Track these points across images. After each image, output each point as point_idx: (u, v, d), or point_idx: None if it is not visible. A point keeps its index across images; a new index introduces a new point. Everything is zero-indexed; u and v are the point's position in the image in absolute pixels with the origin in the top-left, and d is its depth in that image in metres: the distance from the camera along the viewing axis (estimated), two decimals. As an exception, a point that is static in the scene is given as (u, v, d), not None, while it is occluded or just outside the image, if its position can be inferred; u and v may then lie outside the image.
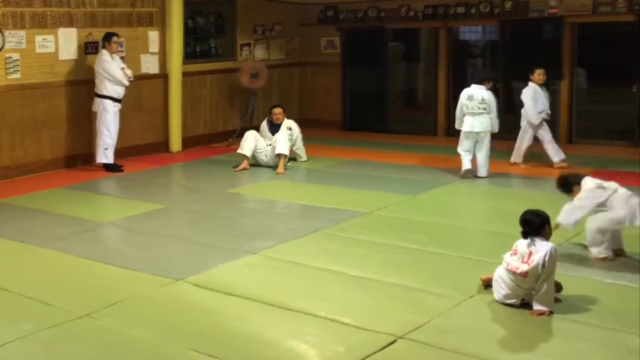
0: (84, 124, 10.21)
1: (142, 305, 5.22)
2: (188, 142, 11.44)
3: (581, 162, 10.03)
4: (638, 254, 6.04)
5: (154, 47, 11.04)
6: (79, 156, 10.19)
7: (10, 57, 9.35)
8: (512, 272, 4.96)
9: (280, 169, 9.66)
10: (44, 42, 9.67)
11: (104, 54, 9.74)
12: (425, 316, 4.87)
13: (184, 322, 4.89)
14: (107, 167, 9.81)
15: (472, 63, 12.95)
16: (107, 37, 9.84)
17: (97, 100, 9.75)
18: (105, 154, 9.79)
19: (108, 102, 9.73)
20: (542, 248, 4.90)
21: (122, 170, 9.83)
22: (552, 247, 4.92)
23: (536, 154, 9.83)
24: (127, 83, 9.81)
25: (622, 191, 5.88)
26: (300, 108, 13.58)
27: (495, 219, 7.17)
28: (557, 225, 5.72)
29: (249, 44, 12.69)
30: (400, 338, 4.56)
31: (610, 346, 4.46)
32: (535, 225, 4.99)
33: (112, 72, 9.69)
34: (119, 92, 9.79)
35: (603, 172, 9.25)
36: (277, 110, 10.33)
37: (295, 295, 5.32)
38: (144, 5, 10.82)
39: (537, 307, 4.89)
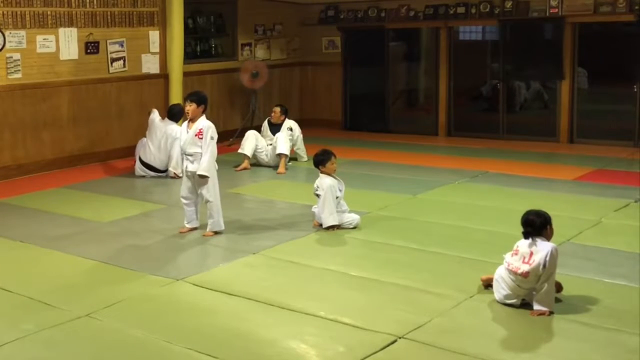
0: (84, 124, 10.22)
1: (142, 305, 5.22)
2: (189, 142, 11.43)
3: (582, 161, 10.05)
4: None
5: (155, 47, 11.05)
6: (80, 156, 10.20)
7: (11, 57, 9.35)
8: (513, 272, 4.97)
9: (281, 169, 9.66)
10: (44, 42, 9.67)
11: (177, 128, 8.90)
12: (425, 316, 4.86)
13: (184, 322, 4.89)
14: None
15: (473, 63, 12.94)
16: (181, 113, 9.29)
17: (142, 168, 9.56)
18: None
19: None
20: (543, 248, 4.91)
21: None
22: (553, 247, 4.92)
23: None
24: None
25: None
26: (301, 108, 13.58)
27: (495, 219, 7.16)
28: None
29: (249, 44, 12.69)
30: (400, 338, 4.56)
31: (610, 346, 4.45)
32: (536, 225, 4.99)
33: (175, 155, 9.28)
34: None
35: (603, 172, 9.31)
36: (276, 109, 10.38)
37: (295, 295, 5.32)
38: (145, 5, 10.83)
39: (537, 307, 4.89)
